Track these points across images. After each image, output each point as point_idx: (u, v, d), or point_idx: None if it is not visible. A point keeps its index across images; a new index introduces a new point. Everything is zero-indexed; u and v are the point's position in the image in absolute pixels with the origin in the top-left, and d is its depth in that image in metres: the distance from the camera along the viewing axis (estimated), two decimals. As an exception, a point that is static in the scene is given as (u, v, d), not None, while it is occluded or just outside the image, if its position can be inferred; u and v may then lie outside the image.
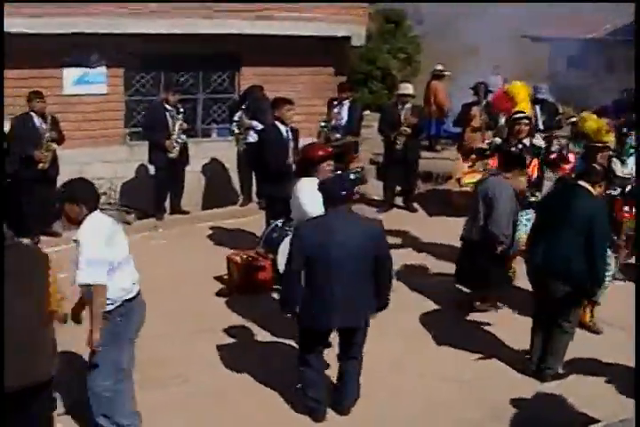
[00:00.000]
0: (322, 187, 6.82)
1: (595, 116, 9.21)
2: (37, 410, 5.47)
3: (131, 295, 6.32)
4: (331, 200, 6.68)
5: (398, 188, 14.02)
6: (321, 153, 8.09)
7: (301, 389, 7.07)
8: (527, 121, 10.22)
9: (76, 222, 6.17)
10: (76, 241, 6.11)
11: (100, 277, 5.97)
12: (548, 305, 7.58)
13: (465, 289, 9.55)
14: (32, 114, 11.48)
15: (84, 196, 6.23)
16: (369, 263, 6.62)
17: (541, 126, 13.47)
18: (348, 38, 14.97)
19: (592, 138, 8.92)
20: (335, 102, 13.43)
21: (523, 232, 9.00)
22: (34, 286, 5.33)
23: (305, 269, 6.64)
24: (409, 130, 12.96)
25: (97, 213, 6.24)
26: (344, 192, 6.63)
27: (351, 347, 6.94)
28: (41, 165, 11.46)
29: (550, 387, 7.54)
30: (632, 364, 7.44)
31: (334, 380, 7.21)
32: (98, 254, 5.98)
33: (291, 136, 10.68)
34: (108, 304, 6.10)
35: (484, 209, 8.72)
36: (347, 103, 13.38)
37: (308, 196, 7.55)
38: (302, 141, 11.08)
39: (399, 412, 7.15)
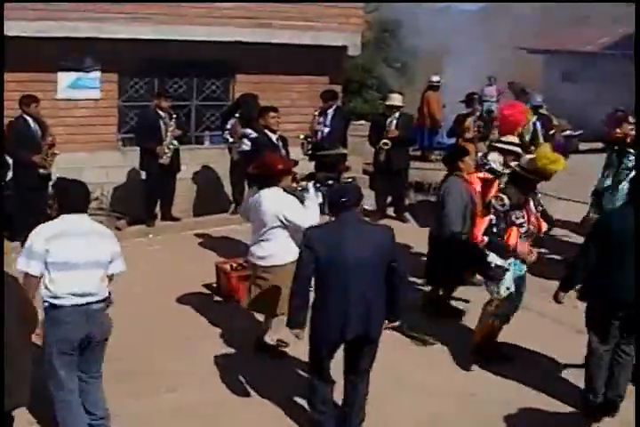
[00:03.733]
0: (327, 195, 6.85)
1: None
2: None
3: (62, 302, 6.12)
4: (333, 208, 6.62)
5: (390, 198, 14.03)
6: (281, 167, 8.01)
7: (309, 403, 6.94)
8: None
9: None
10: None
11: (32, 267, 6.08)
12: (612, 337, 7.06)
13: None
14: (27, 118, 11.46)
15: (60, 196, 6.34)
16: (381, 270, 6.45)
17: (541, 140, 13.43)
18: (344, 48, 14.99)
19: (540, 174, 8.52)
20: (318, 113, 13.42)
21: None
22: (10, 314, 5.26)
23: (315, 277, 6.50)
24: (389, 143, 13.00)
25: (67, 215, 6.26)
26: (344, 199, 6.51)
27: (361, 361, 6.70)
28: (42, 170, 11.45)
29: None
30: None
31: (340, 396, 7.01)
32: (36, 247, 6.07)
33: (280, 144, 10.74)
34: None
35: (439, 207, 9.18)
36: (330, 112, 13.36)
37: (279, 202, 7.80)
38: (292, 150, 11.16)
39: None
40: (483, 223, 7.88)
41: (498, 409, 7.35)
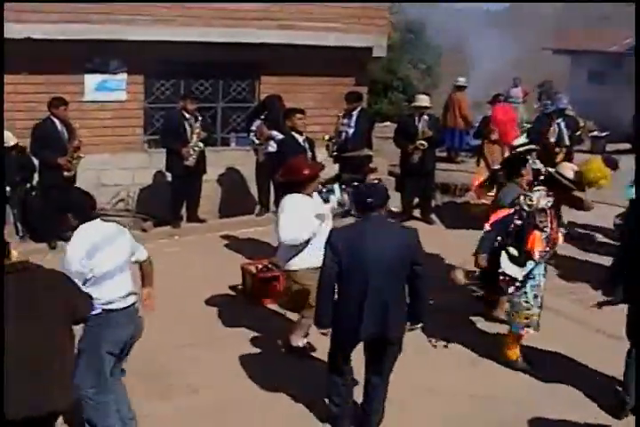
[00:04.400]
0: (352, 196, 6.81)
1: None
2: None
3: (115, 306, 6.24)
4: (359, 208, 6.63)
5: (417, 199, 14.01)
6: (307, 173, 7.81)
7: (327, 396, 6.96)
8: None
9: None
10: None
11: None
12: None
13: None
14: (54, 120, 11.52)
15: (73, 206, 6.36)
16: (403, 272, 6.44)
17: (567, 142, 13.39)
18: (369, 49, 14.97)
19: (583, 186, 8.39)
20: (342, 114, 13.38)
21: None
22: (42, 311, 5.17)
23: (338, 277, 6.49)
24: (426, 144, 12.97)
25: (87, 225, 6.27)
26: (371, 199, 6.48)
27: (380, 363, 6.72)
28: (66, 173, 11.51)
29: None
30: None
31: (359, 399, 7.03)
32: (74, 268, 6.07)
33: (307, 146, 10.72)
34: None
35: None
36: (355, 114, 13.31)
37: (287, 217, 7.64)
38: (319, 152, 11.14)
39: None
40: (498, 215, 7.88)
41: (512, 410, 7.33)
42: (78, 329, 5.84)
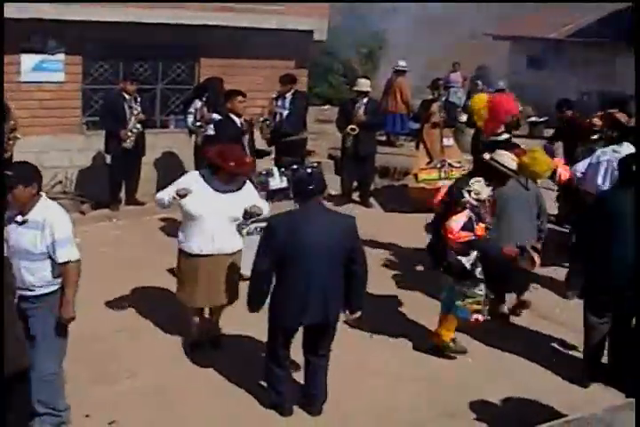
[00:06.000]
0: (292, 181, 6.80)
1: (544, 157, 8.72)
2: None
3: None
4: (300, 195, 6.65)
5: (355, 183, 14.10)
6: (232, 165, 7.48)
7: (267, 384, 7.05)
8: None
9: (25, 205, 6.13)
10: (25, 222, 6.12)
11: (77, 253, 6.24)
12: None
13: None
14: (-13, 100, 11.35)
15: (38, 177, 6.25)
16: (342, 258, 6.54)
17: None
18: (310, 32, 14.96)
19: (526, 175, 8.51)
20: (275, 96, 13.41)
21: None
22: None
23: (276, 264, 6.54)
24: (357, 128, 13.12)
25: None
26: (311, 187, 6.55)
27: (321, 344, 6.88)
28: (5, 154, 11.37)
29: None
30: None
31: (301, 380, 7.17)
32: (71, 233, 6.19)
33: (245, 128, 10.73)
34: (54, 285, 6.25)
35: None
36: (289, 96, 13.33)
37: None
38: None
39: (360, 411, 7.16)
40: (458, 218, 7.55)
41: (460, 394, 7.44)
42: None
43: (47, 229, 6.07)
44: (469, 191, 7.65)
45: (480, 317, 7.94)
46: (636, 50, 17.46)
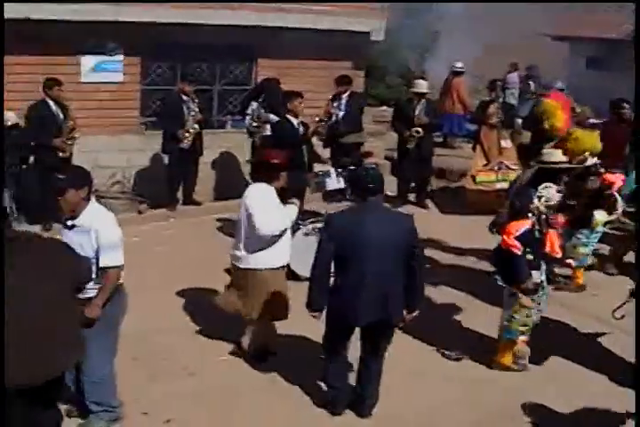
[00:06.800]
0: (350, 180, 6.75)
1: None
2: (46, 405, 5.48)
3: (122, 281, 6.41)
4: (359, 193, 6.60)
5: (412, 184, 14.04)
6: (275, 161, 7.47)
7: (324, 382, 7.06)
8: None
9: (75, 209, 6.17)
10: (74, 226, 6.18)
11: (122, 259, 6.25)
12: None
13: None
14: (48, 101, 11.47)
15: (89, 182, 6.30)
16: (402, 256, 6.45)
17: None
18: (367, 33, 14.94)
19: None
20: (331, 97, 13.43)
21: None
22: (44, 280, 5.24)
23: (334, 263, 6.51)
24: (421, 131, 13.02)
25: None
26: (371, 185, 6.51)
27: (378, 345, 6.81)
28: (61, 154, 11.48)
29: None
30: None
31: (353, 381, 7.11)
32: (119, 238, 6.24)
33: (302, 129, 10.75)
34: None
35: None
36: (345, 97, 13.35)
37: (260, 206, 7.28)
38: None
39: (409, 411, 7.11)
40: (518, 226, 7.34)
41: (499, 396, 7.39)
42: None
43: (93, 234, 6.12)
44: (540, 197, 7.49)
45: (525, 337, 7.78)
46: (637, 51, 17.13)
